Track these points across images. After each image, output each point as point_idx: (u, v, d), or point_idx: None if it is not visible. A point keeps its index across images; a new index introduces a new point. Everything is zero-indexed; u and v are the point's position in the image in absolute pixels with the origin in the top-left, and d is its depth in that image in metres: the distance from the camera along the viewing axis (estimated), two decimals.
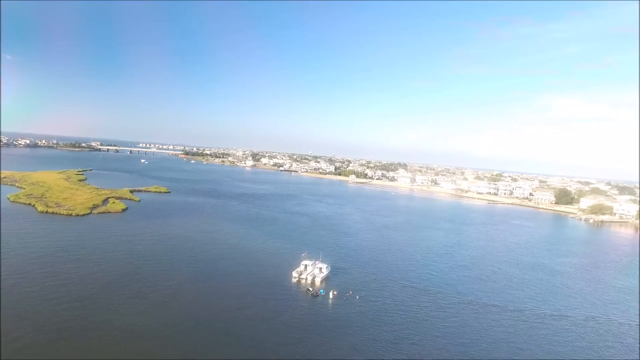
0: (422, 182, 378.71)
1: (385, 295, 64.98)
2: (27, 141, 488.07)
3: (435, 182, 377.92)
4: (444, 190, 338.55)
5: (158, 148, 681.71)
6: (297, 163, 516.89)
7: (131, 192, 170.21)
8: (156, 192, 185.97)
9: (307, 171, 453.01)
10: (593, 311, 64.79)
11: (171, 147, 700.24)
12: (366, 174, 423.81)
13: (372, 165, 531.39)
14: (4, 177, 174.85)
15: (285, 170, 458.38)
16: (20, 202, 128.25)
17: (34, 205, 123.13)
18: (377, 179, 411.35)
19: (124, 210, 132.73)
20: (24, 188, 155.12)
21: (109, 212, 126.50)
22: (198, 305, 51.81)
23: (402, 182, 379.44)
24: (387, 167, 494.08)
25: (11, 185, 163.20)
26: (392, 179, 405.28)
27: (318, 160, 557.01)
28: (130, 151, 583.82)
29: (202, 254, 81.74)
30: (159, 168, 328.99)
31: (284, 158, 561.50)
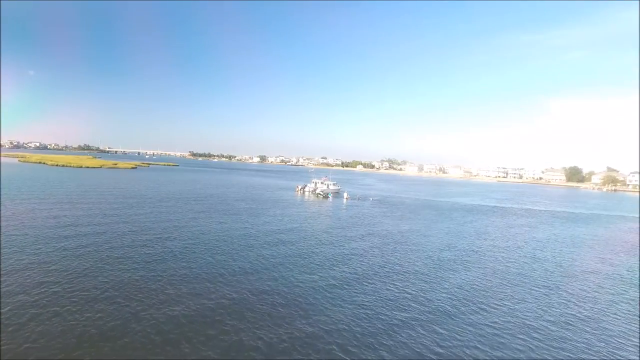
0: (429, 170, 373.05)
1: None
2: (37, 143, 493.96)
3: (443, 170, 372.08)
4: (452, 175, 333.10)
5: (164, 153, 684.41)
6: (303, 159, 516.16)
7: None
8: (165, 165, 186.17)
9: (314, 164, 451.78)
10: None
11: (179, 153, 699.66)
12: (373, 165, 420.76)
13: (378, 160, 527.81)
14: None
15: (292, 165, 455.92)
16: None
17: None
18: (385, 169, 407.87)
19: (133, 167, 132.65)
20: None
21: (119, 168, 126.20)
22: None
23: (410, 171, 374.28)
24: (393, 162, 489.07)
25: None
26: (400, 169, 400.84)
27: (325, 157, 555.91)
28: (139, 152, 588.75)
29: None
30: (168, 159, 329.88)
31: (289, 157, 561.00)
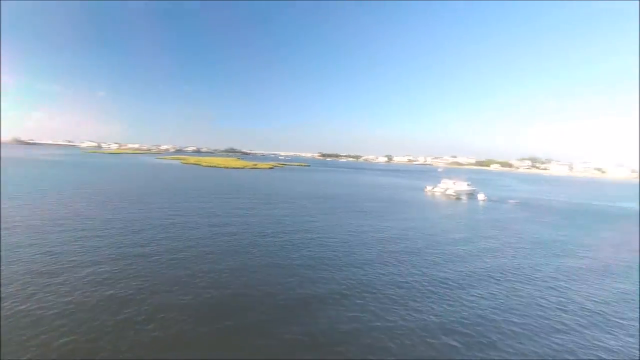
0: (583, 169, 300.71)
1: None
2: (194, 147, 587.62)
3: (601, 170, 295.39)
4: (616, 176, 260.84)
5: (296, 154, 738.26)
6: (431, 158, 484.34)
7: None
8: (298, 165, 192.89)
9: (443, 163, 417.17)
10: None
11: (309, 154, 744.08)
12: (510, 164, 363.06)
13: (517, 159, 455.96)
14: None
15: (419, 164, 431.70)
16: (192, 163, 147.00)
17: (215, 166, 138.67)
18: (526, 168, 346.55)
19: (270, 168, 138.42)
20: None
21: (259, 168, 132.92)
22: None
23: (557, 170, 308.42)
24: (535, 160, 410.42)
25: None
26: (544, 169, 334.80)
27: (454, 155, 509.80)
28: (274, 154, 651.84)
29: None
30: (299, 160, 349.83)
31: (416, 157, 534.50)
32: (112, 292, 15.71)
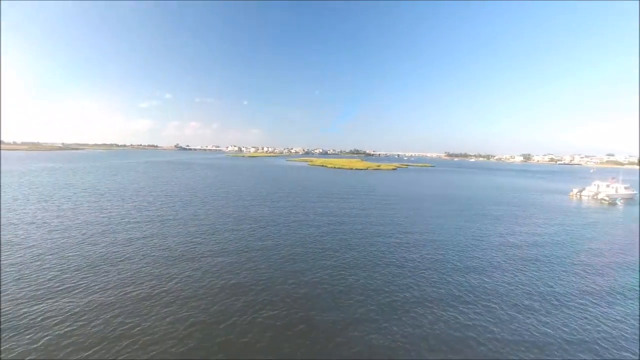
0: None
1: None
2: (320, 149, 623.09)
3: None
4: None
5: (420, 154, 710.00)
6: (580, 156, 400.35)
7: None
8: (422, 166, 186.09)
9: (595, 163, 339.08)
10: None
11: (434, 154, 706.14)
12: None
13: None
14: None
15: (564, 164, 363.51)
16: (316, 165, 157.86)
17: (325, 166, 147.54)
18: None
19: (393, 169, 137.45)
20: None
21: (382, 170, 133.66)
22: None
23: None
24: None
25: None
26: None
27: (611, 154, 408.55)
28: (398, 155, 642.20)
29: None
30: (423, 160, 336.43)
31: (560, 156, 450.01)
32: (235, 280, 17.71)
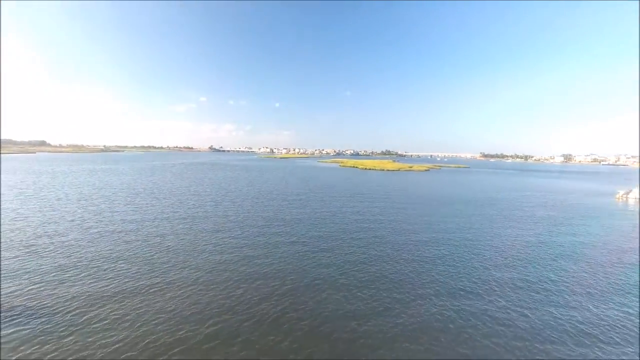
0: None
1: None
2: (351, 151, 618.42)
3: None
4: None
5: (454, 155, 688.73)
6: (626, 156, 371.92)
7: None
8: (455, 167, 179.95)
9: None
10: None
11: (469, 155, 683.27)
12: None
13: None
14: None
15: (609, 164, 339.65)
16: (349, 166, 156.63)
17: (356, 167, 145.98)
18: None
19: (425, 170, 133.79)
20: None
21: (414, 171, 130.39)
22: None
23: None
24: None
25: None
26: None
27: None
28: (431, 155, 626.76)
29: None
30: (457, 161, 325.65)
31: (604, 156, 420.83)
32: (261, 281, 17.35)
